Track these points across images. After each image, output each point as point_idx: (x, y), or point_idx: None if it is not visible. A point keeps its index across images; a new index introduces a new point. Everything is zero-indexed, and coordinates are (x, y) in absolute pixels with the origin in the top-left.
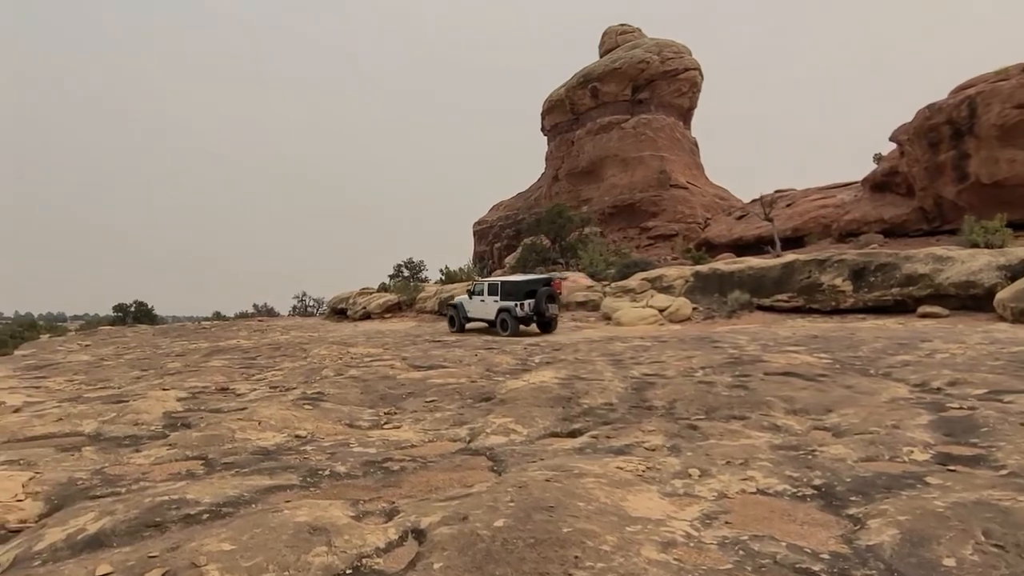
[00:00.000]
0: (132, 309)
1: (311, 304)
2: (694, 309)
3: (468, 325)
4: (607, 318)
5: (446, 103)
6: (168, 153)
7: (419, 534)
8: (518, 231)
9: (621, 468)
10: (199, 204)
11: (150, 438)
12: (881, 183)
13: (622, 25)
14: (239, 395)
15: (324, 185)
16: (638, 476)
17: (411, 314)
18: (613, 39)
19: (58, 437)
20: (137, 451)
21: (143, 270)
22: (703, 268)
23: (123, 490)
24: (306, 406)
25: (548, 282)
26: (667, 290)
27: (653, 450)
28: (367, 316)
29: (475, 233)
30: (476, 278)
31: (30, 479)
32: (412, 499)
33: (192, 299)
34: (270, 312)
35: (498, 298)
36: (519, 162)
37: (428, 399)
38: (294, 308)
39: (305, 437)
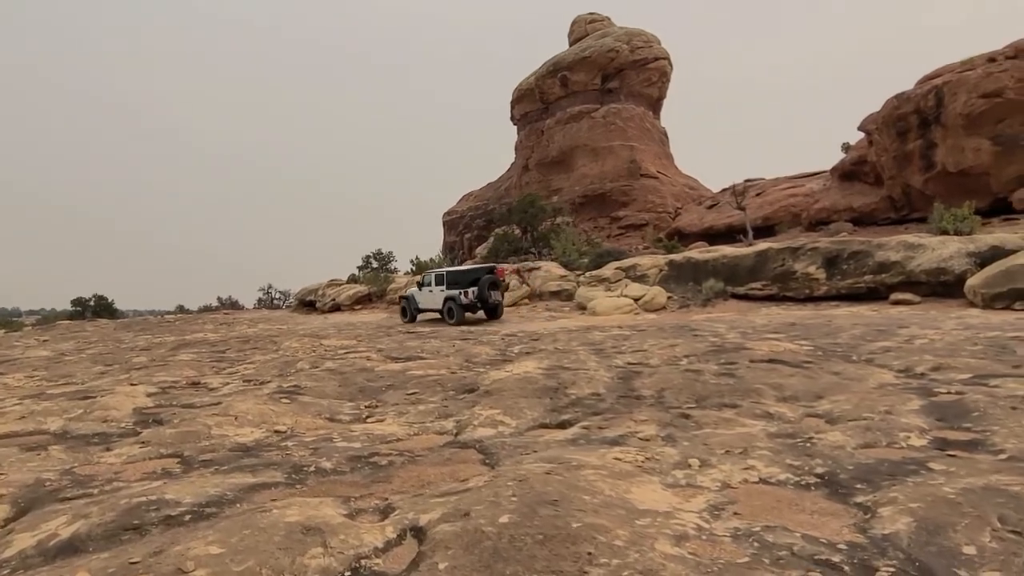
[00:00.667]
0: (91, 303)
1: (277, 297)
2: (669, 298)
3: (419, 316)
4: (582, 308)
5: (419, 90)
6: (134, 137)
7: (418, 532)
8: (488, 221)
9: (619, 459)
10: (159, 192)
11: (121, 436)
12: (850, 172)
13: (591, 14)
14: (212, 389)
15: (291, 176)
16: (638, 467)
17: (382, 305)
18: (583, 28)
19: (21, 436)
20: (108, 449)
21: (101, 261)
22: (677, 257)
23: (95, 491)
24: (283, 400)
25: (491, 270)
26: (641, 279)
27: (648, 440)
28: (337, 308)
29: (445, 223)
30: (426, 271)
31: None
32: (405, 495)
33: (153, 292)
34: (235, 305)
35: (444, 288)
36: (489, 152)
37: (409, 391)
38: (259, 301)
39: (285, 432)
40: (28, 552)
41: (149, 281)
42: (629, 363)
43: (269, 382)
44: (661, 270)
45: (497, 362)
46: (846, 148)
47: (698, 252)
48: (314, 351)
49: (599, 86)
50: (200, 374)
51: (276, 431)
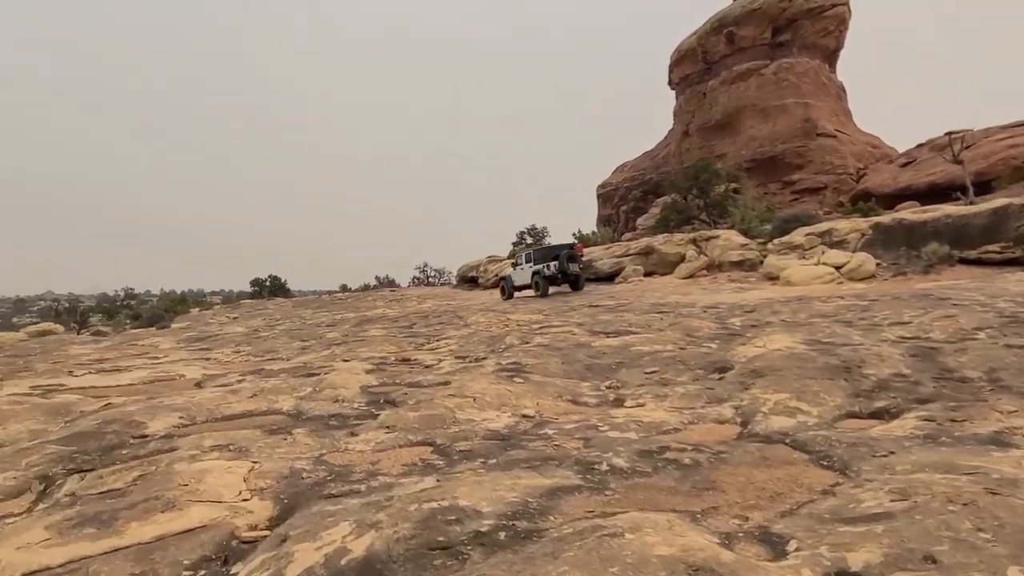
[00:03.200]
0: (267, 283)
1: (432, 274)
2: (877, 265)
3: (517, 294)
4: (771, 278)
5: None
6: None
7: None
8: (646, 192)
9: None
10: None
11: (359, 418)
12: None
13: None
14: (428, 366)
15: (436, 159)
16: None
17: None
18: None
19: (257, 416)
20: (352, 434)
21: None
22: (884, 219)
23: (362, 487)
24: (516, 379)
25: (571, 247)
26: (838, 245)
27: None
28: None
29: (599, 196)
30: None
31: (250, 471)
32: (763, 511)
33: (316, 274)
34: (392, 283)
35: (532, 264)
36: (642, 122)
37: (648, 370)
38: (415, 279)
39: (534, 417)
40: (318, 572)
41: (312, 264)
42: (907, 337)
43: (484, 359)
44: (863, 235)
45: (725, 336)
46: None
47: (911, 213)
48: (507, 325)
49: (769, 40)
50: (401, 349)
51: (524, 415)
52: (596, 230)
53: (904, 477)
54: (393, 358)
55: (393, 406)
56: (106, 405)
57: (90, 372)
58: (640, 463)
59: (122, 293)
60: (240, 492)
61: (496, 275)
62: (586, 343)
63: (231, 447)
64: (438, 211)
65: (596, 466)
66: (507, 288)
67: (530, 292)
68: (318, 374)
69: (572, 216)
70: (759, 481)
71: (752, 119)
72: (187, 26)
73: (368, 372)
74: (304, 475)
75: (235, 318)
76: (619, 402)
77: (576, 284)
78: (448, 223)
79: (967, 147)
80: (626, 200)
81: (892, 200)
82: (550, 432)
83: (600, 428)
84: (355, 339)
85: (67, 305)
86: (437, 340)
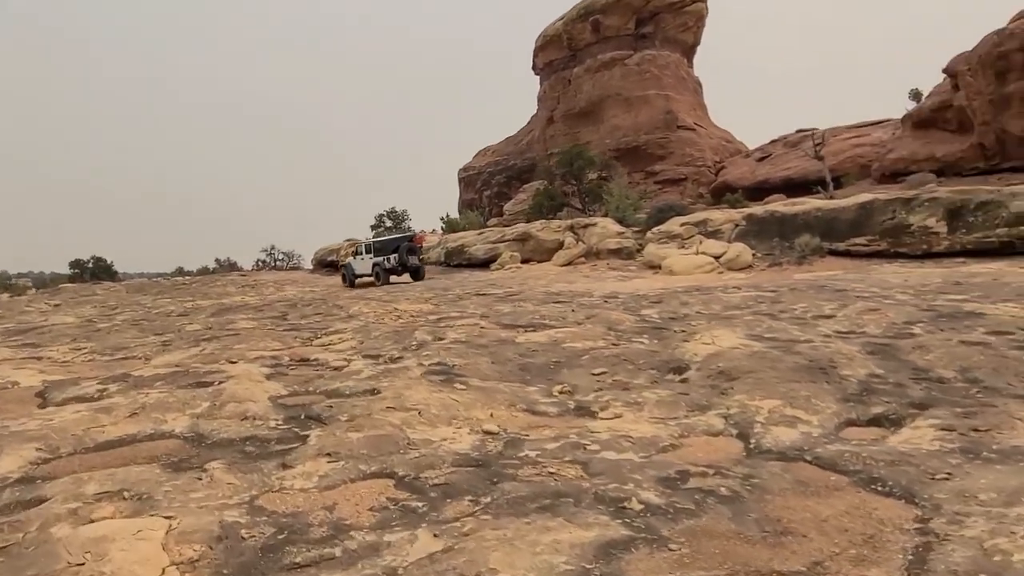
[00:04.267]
0: (90, 265)
1: (280, 258)
2: (753, 255)
3: (357, 281)
4: (652, 266)
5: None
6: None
7: None
8: (510, 177)
9: None
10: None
11: (281, 440)
12: (928, 119)
13: None
14: (336, 368)
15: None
16: None
17: None
18: None
19: (144, 442)
20: (285, 466)
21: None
22: (758, 211)
23: (335, 550)
24: (456, 385)
25: (410, 239)
26: (713, 235)
27: None
28: None
29: (461, 180)
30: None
31: (167, 532)
32: (880, 566)
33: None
34: (233, 267)
35: (373, 255)
36: (503, 106)
37: (595, 371)
38: (260, 263)
39: (498, 433)
40: None
41: (134, 240)
42: (844, 332)
43: (401, 359)
44: (737, 225)
45: (652, 330)
46: (916, 95)
47: (782, 205)
48: (399, 317)
49: (633, 31)
50: (287, 346)
51: (486, 431)
52: (459, 214)
53: (1003, 510)
54: (287, 358)
55: (320, 423)
56: None
57: None
58: (674, 497)
59: None
60: (161, 569)
61: None
62: (507, 339)
63: (127, 494)
64: (282, 190)
65: (625, 504)
66: (348, 276)
67: (401, 279)
68: (210, 382)
69: (433, 200)
70: (830, 518)
71: (616, 108)
72: None
73: (268, 378)
74: (244, 534)
75: (58, 305)
76: (584, 411)
77: (416, 274)
78: (297, 204)
79: (817, 144)
80: (489, 185)
81: (751, 193)
82: (531, 454)
83: (588, 447)
84: (225, 332)
85: None
86: (326, 334)
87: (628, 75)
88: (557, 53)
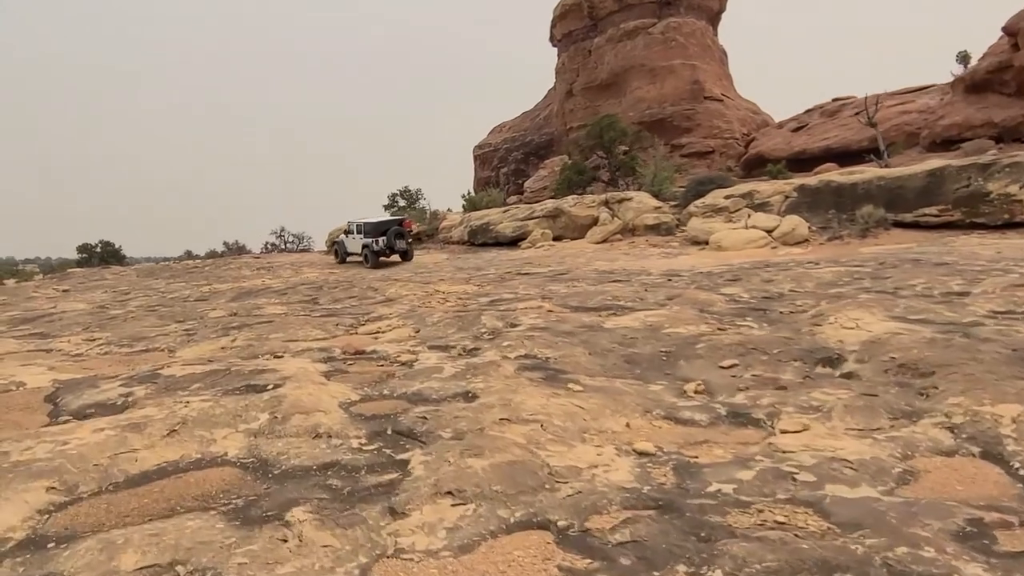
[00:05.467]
0: (98, 250)
1: (290, 240)
2: (809, 229)
3: (348, 259)
4: (697, 242)
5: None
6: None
7: None
8: (527, 153)
9: None
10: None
11: (373, 470)
12: (982, 82)
13: None
14: (404, 363)
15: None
16: None
17: (433, 245)
18: None
19: (190, 472)
20: (393, 512)
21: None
22: (811, 181)
23: None
24: (570, 386)
25: (400, 222)
26: (761, 208)
27: None
28: None
29: (476, 158)
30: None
31: None
32: None
33: (150, 239)
34: (242, 250)
35: (363, 236)
36: (513, 81)
37: (724, 365)
38: (270, 245)
39: (656, 455)
40: None
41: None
42: (1000, 312)
43: (479, 350)
44: (787, 197)
45: (761, 311)
46: (964, 58)
47: (838, 175)
48: (447, 300)
49: None
50: (331, 334)
51: (639, 452)
52: (474, 192)
53: None
54: (338, 350)
55: (417, 441)
56: None
57: None
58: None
59: None
60: None
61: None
62: (593, 324)
63: (182, 570)
64: (292, 175)
65: None
66: (340, 253)
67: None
68: (261, 385)
69: (448, 179)
70: None
71: (639, 79)
72: None
73: (328, 376)
74: None
75: (66, 291)
76: (744, 419)
77: (405, 256)
78: (304, 188)
79: (856, 113)
80: (506, 162)
81: (789, 165)
82: (725, 489)
83: (797, 476)
84: (255, 319)
85: None
86: (370, 320)
87: (652, 44)
88: (577, 23)
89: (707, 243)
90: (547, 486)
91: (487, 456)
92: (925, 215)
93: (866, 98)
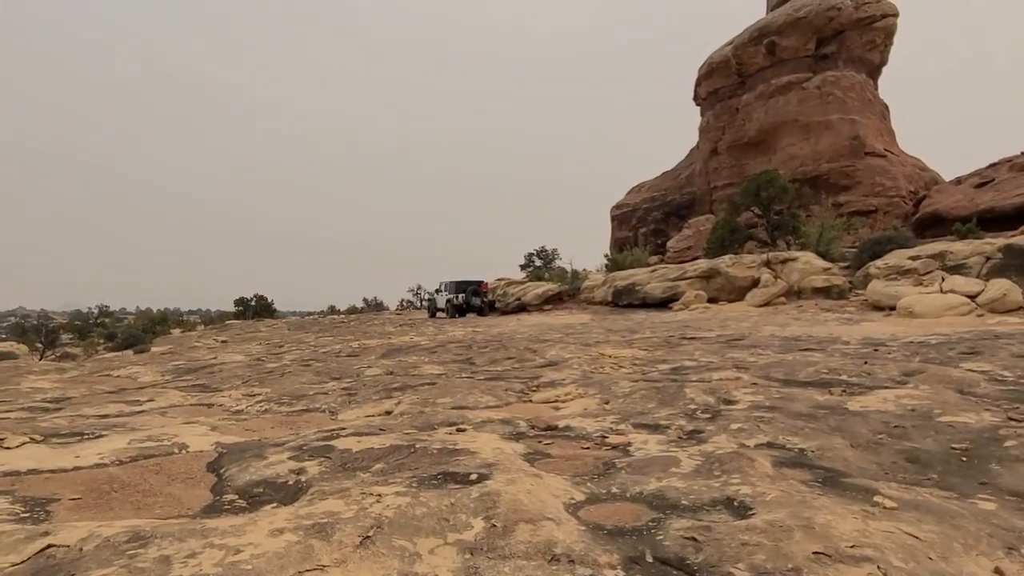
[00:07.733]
0: (252, 303)
1: (425, 297)
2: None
3: (437, 314)
4: (879, 307)
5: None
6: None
7: None
8: (667, 213)
9: None
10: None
11: None
12: None
13: None
14: (617, 447)
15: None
16: None
17: (574, 305)
18: None
19: None
20: None
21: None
22: (1020, 240)
23: None
24: (887, 504)
25: (478, 284)
26: (956, 271)
27: None
28: (522, 308)
29: (614, 218)
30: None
31: None
32: None
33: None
34: (379, 306)
35: (447, 293)
36: (654, 143)
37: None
38: (406, 302)
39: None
40: None
41: (290, 286)
42: None
43: (702, 433)
44: (989, 258)
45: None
46: None
47: None
48: (620, 366)
49: (812, 51)
50: (503, 401)
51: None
52: (611, 252)
53: None
54: (524, 423)
55: (674, 570)
56: (44, 549)
57: (35, 438)
58: None
59: (96, 310)
60: None
61: (517, 299)
62: (831, 405)
63: None
64: (429, 233)
65: None
66: (431, 308)
67: (587, 316)
68: (461, 474)
69: (583, 239)
70: None
71: (791, 136)
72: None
73: (531, 462)
74: None
75: (225, 342)
76: None
77: (481, 312)
78: (445, 244)
79: None
80: (645, 222)
81: (966, 222)
82: None
83: None
84: (415, 380)
85: (35, 322)
86: (542, 386)
87: (807, 99)
88: (724, 80)
89: (893, 308)
90: None
91: None
92: None
93: None
